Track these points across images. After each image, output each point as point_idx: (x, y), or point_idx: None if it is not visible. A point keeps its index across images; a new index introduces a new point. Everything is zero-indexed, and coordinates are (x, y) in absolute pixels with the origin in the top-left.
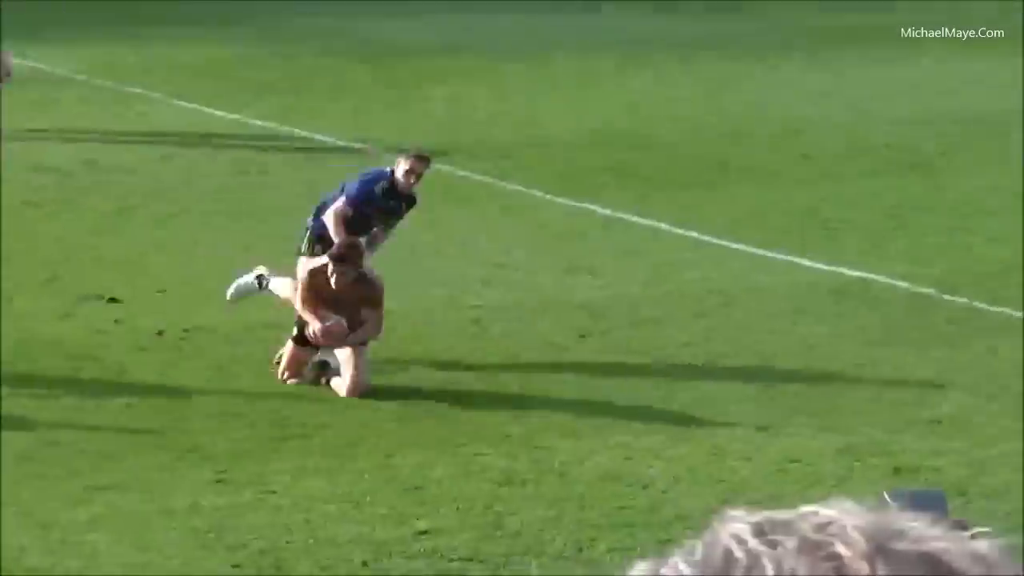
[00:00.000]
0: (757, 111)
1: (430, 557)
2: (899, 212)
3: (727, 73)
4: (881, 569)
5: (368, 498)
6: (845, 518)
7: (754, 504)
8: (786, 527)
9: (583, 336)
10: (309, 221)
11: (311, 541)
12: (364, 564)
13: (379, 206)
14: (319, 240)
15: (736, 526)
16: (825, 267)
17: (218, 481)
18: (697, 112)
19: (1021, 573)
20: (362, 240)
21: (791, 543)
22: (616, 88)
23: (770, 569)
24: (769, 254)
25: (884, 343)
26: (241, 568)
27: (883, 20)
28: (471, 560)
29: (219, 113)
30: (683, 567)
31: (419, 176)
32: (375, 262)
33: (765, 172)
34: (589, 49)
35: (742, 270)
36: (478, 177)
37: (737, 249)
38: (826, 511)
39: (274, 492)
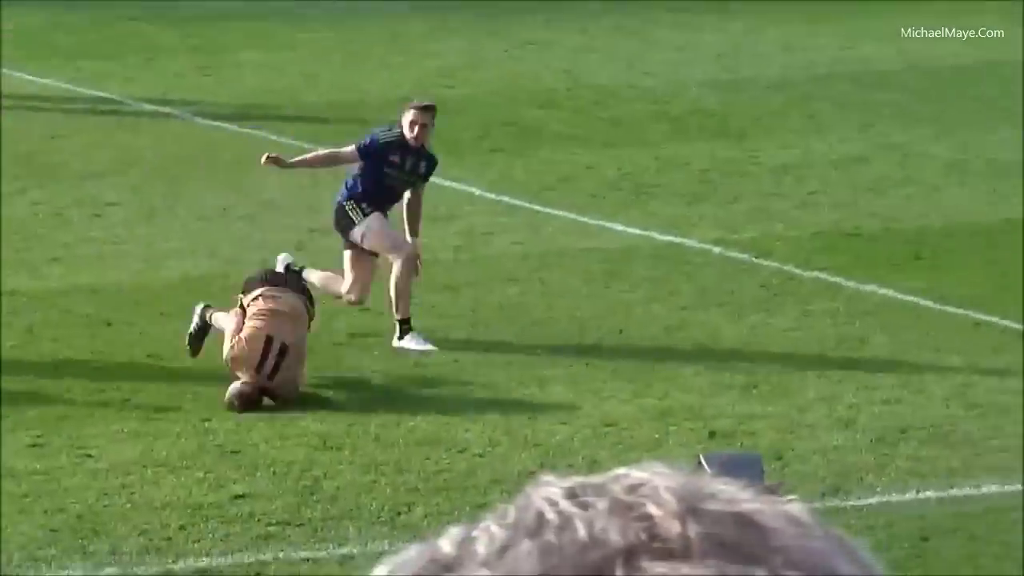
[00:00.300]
0: (568, 76)
1: (247, 521)
2: (711, 177)
3: (539, 38)
4: (692, 528)
5: (184, 462)
6: (657, 480)
7: (570, 468)
8: (598, 489)
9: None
10: (339, 198)
11: (128, 505)
12: (181, 528)
13: (396, 166)
14: (359, 201)
15: (549, 489)
16: (638, 232)
17: (34, 445)
18: (508, 77)
19: (834, 535)
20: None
21: (603, 504)
22: (427, 53)
23: (581, 530)
24: (582, 219)
25: (698, 307)
26: (59, 532)
27: None
28: (288, 524)
29: (29, 77)
30: (495, 530)
31: (424, 127)
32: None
33: (577, 137)
34: (399, 14)
35: (555, 235)
36: (290, 142)
37: (550, 214)
38: (638, 473)
39: (91, 456)
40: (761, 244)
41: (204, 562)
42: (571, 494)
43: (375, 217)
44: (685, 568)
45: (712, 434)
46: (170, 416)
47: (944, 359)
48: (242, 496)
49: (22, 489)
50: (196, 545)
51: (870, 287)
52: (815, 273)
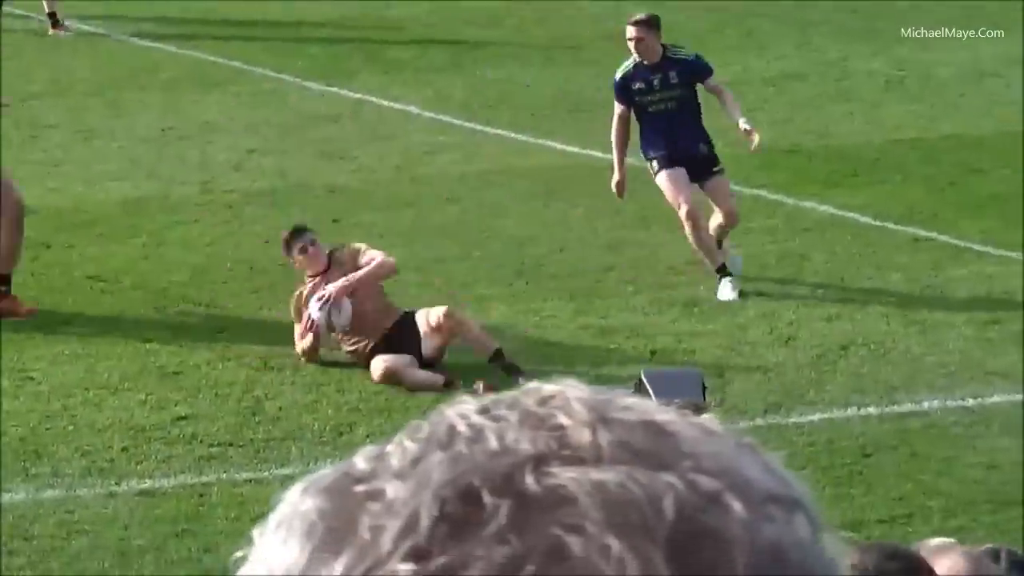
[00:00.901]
0: None
1: (189, 443)
2: None
3: None
4: (603, 436)
5: (126, 384)
6: (568, 392)
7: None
8: (511, 403)
9: (336, 221)
10: None
11: (71, 427)
12: (124, 450)
13: (645, 90)
14: (647, 154)
15: (462, 406)
16: (578, 150)
17: None
18: None
19: (747, 444)
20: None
21: (514, 417)
22: None
23: (492, 441)
24: (521, 137)
25: (639, 226)
26: (0, 455)
27: None
28: (231, 445)
29: None
30: (408, 444)
31: (642, 40)
32: None
33: (516, 55)
34: None
35: (495, 153)
36: (228, 62)
37: (488, 132)
38: (550, 387)
39: (32, 379)
40: None
41: (147, 483)
42: (483, 409)
43: (662, 175)
44: (594, 473)
45: (653, 352)
46: (111, 338)
47: (883, 276)
48: (184, 418)
49: None
50: (139, 467)
51: (809, 204)
52: (754, 190)
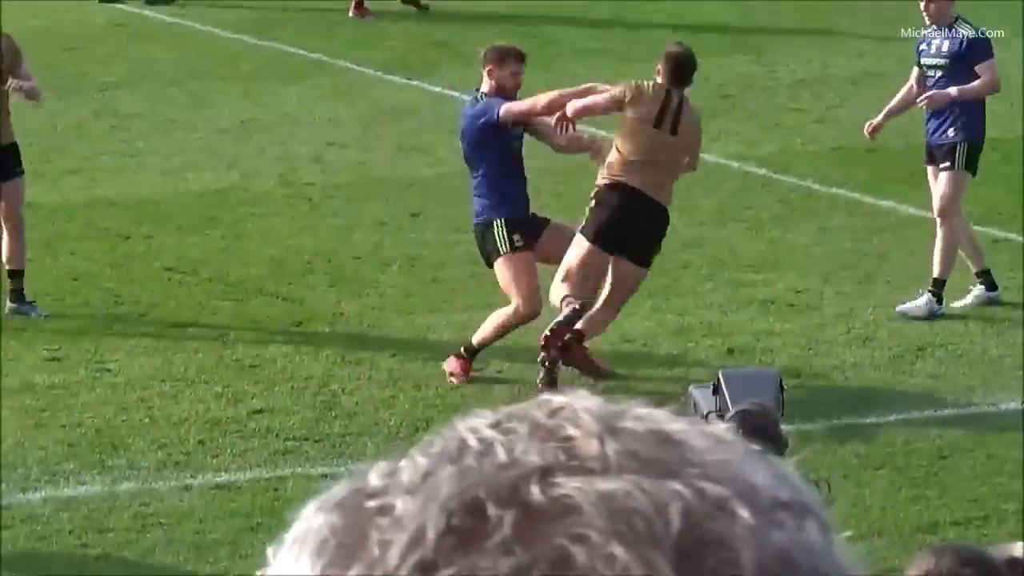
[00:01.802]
0: None
1: (264, 436)
2: (729, 92)
3: None
4: (610, 446)
5: (203, 377)
6: (577, 403)
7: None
8: (521, 416)
9: (415, 215)
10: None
11: (146, 420)
12: (200, 443)
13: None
14: None
15: (474, 420)
16: None
17: (52, 359)
18: None
19: (757, 453)
20: None
21: (523, 429)
22: None
23: (501, 453)
24: (600, 132)
25: (717, 223)
26: (76, 447)
27: None
28: (306, 439)
29: None
30: (420, 459)
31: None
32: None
33: (595, 51)
34: None
35: None
36: (308, 54)
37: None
38: (559, 398)
39: (108, 370)
40: (779, 160)
41: (222, 477)
42: (495, 423)
43: None
44: (600, 482)
45: (731, 351)
46: (188, 331)
47: (963, 276)
48: (260, 411)
49: (40, 403)
50: (214, 460)
51: (888, 203)
52: (833, 189)
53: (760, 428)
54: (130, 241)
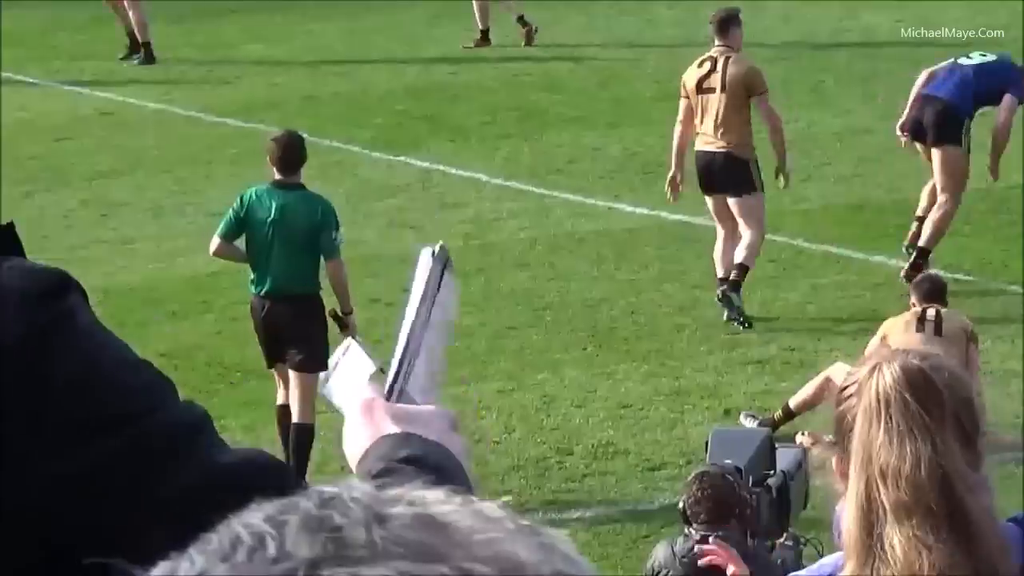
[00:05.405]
0: (570, 57)
1: None
2: None
3: (540, 20)
4: (377, 533)
5: None
6: (345, 491)
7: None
8: (293, 507)
9: (407, 290)
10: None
11: None
12: None
13: None
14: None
15: (250, 514)
16: (647, 212)
17: None
18: (510, 60)
19: (525, 527)
20: None
21: (295, 520)
22: (428, 40)
23: (271, 548)
24: (589, 201)
25: (708, 286)
26: None
27: None
28: None
29: (31, 80)
30: (196, 558)
31: None
32: None
33: (580, 119)
34: (400, 2)
35: (563, 218)
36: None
37: (557, 197)
38: (330, 488)
39: None
40: (769, 219)
41: None
42: (268, 516)
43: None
44: (366, 571)
45: (727, 412)
46: None
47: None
48: None
49: None
50: None
51: (879, 258)
52: (824, 246)
53: (713, 488)
54: (124, 329)
